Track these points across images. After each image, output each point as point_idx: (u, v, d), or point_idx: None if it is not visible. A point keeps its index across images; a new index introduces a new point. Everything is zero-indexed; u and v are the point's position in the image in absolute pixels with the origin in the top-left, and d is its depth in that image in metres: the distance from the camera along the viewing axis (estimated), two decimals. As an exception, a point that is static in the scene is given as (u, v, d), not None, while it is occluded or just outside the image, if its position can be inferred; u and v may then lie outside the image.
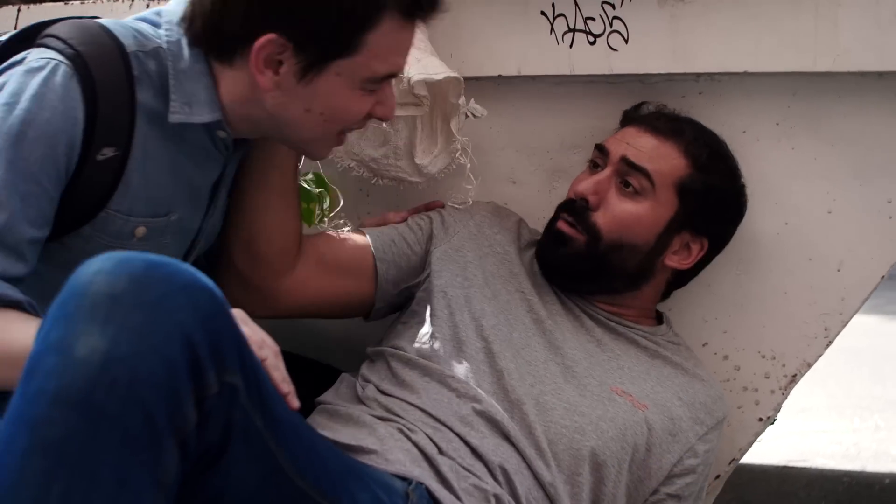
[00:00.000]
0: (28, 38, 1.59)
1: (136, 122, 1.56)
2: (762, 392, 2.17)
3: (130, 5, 2.20)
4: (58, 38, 1.54)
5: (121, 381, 1.11)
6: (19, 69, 1.50)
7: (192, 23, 1.58)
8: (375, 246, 1.97)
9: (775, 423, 2.24)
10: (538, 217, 2.11)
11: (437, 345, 1.86)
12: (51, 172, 1.48)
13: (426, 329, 1.89)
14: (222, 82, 1.60)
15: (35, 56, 1.52)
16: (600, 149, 1.98)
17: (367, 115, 1.64)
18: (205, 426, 1.19)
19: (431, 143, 2.02)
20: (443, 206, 2.09)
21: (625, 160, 1.92)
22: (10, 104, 1.46)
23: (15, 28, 2.22)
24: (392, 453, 1.67)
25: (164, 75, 1.58)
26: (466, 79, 1.95)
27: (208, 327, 1.18)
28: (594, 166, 1.98)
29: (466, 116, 1.97)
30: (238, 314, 1.34)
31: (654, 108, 2.05)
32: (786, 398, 2.18)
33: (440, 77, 1.89)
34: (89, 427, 1.11)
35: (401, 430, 1.72)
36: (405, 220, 2.03)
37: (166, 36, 1.60)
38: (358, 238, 1.98)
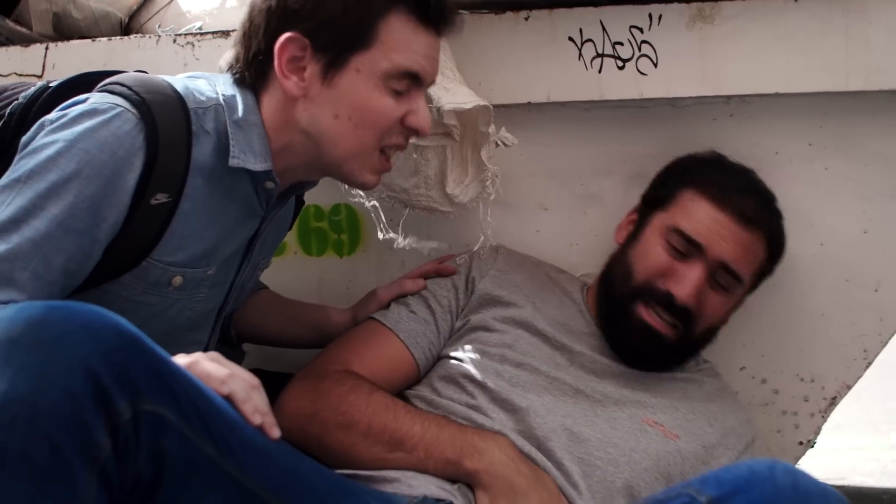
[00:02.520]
0: (79, 85, 1.61)
1: (189, 174, 1.58)
2: (801, 415, 2.15)
3: (157, 41, 2.20)
4: (122, 84, 1.56)
5: (21, 418, 1.14)
6: (80, 108, 1.51)
7: (235, 59, 1.65)
8: (410, 345, 1.93)
9: (815, 445, 2.22)
10: (571, 244, 2.11)
11: (456, 387, 1.84)
12: (100, 212, 1.49)
13: (446, 371, 1.88)
14: (264, 109, 1.64)
15: (98, 98, 1.53)
16: (689, 240, 1.88)
17: (400, 121, 1.65)
18: (124, 455, 1.21)
19: (462, 172, 2.01)
20: (452, 263, 2.07)
21: (724, 266, 1.88)
22: (69, 142, 1.47)
23: (43, 65, 2.24)
24: (415, 479, 1.67)
25: (220, 132, 1.62)
26: (496, 107, 1.94)
27: (113, 359, 1.20)
28: (679, 253, 1.90)
29: (497, 145, 1.96)
30: (210, 354, 1.41)
31: (708, 158, 2.00)
32: (825, 421, 2.16)
33: (469, 106, 1.88)
34: None
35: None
36: (422, 288, 2.00)
37: (221, 93, 1.64)
38: (393, 345, 1.93)
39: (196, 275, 1.67)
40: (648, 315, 1.89)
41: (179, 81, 1.63)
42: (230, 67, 1.66)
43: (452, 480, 1.69)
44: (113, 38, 2.28)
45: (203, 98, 1.62)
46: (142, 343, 1.25)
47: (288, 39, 1.57)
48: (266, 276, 2.07)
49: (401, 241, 2.09)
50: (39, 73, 2.26)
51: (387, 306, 2.00)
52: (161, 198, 1.55)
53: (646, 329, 1.90)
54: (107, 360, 1.19)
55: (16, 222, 1.44)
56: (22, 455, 1.14)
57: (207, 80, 1.67)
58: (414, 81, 1.64)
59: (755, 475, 1.38)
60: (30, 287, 1.44)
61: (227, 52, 1.68)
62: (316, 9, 1.56)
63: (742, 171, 1.99)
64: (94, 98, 1.53)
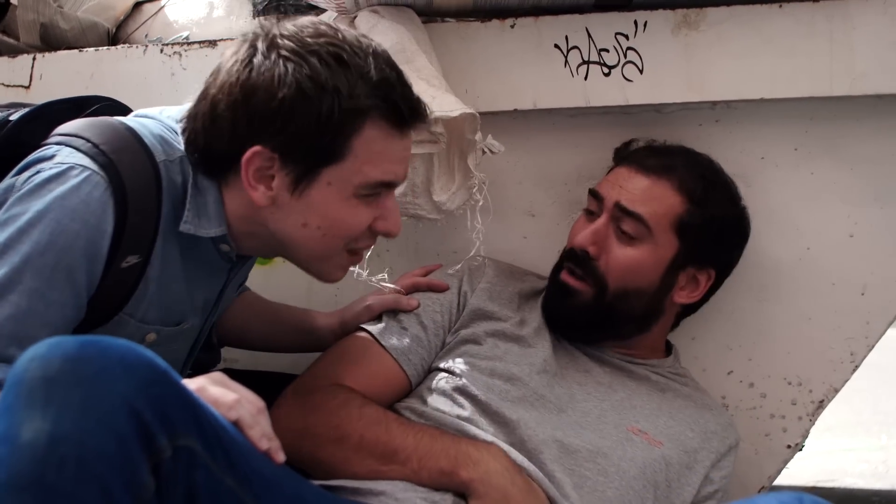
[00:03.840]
0: (39, 117, 1.58)
1: (159, 231, 1.55)
2: (789, 419, 2.16)
3: (144, 51, 2.20)
4: (88, 140, 1.51)
5: (69, 458, 1.12)
6: (47, 172, 1.46)
7: (189, 138, 1.58)
8: (402, 362, 1.91)
9: (803, 448, 2.23)
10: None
11: (446, 399, 1.84)
12: (76, 280, 1.46)
13: (437, 384, 1.87)
14: (227, 199, 1.59)
15: (65, 157, 1.48)
16: (594, 194, 1.95)
17: (368, 228, 1.62)
18: (165, 492, 1.20)
19: (449, 179, 2.01)
20: (443, 274, 2.06)
21: (619, 206, 1.90)
22: (40, 212, 1.43)
23: (30, 76, 2.24)
24: (402, 493, 1.67)
25: (184, 185, 1.57)
26: (482, 114, 1.95)
27: (151, 394, 1.18)
28: (590, 213, 1.96)
29: (483, 152, 1.96)
30: (214, 377, 1.38)
31: (643, 144, 2.03)
32: (813, 424, 2.17)
33: (456, 114, 1.89)
34: None
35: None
36: (416, 307, 1.97)
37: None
38: (384, 361, 1.92)
39: (171, 332, 1.65)
40: (565, 274, 1.94)
41: (143, 129, 1.57)
42: (187, 144, 1.58)
43: (443, 491, 1.68)
44: (100, 48, 2.29)
45: (170, 150, 1.57)
46: (172, 376, 1.23)
47: (254, 154, 1.50)
48: (254, 283, 2.07)
49: (363, 274, 2.09)
50: (27, 84, 2.26)
51: (378, 318, 1.98)
52: (132, 259, 1.52)
53: (562, 287, 1.94)
54: (146, 396, 1.17)
55: None
56: (71, 495, 1.11)
57: (171, 129, 1.61)
58: (386, 187, 1.60)
59: None
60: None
61: (182, 117, 1.59)
62: (286, 123, 1.49)
63: (668, 146, 2.03)
64: (60, 157, 1.48)
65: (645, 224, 1.88)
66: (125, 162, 1.50)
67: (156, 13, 2.40)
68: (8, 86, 2.26)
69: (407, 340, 1.94)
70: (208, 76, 1.57)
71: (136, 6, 2.47)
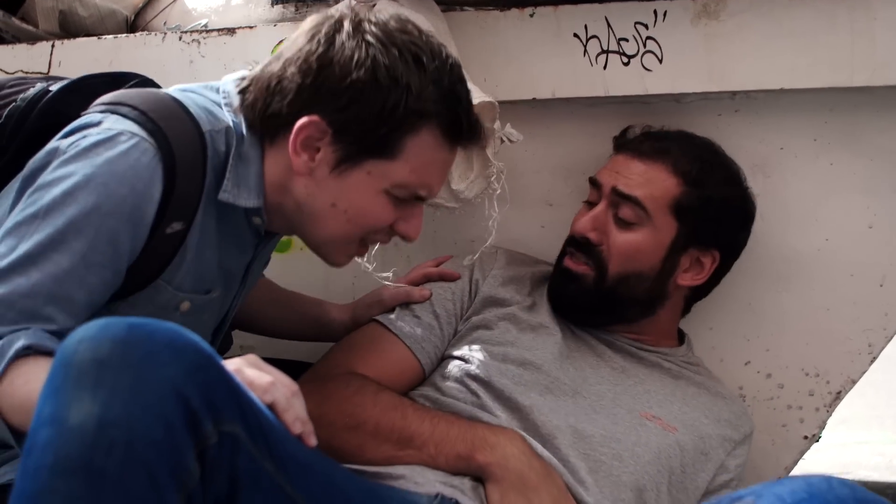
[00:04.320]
0: (77, 90, 1.59)
1: (202, 199, 1.56)
2: (806, 410, 2.15)
3: (163, 39, 2.20)
4: (136, 108, 1.52)
5: (118, 442, 1.11)
6: (95, 137, 1.47)
7: (246, 97, 1.59)
8: (416, 350, 1.93)
9: (820, 439, 2.22)
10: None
11: (460, 386, 1.85)
12: (120, 246, 1.47)
13: (450, 371, 1.88)
14: (267, 164, 1.60)
15: (113, 124, 1.49)
16: (593, 182, 1.97)
17: (390, 227, 1.63)
18: (209, 478, 1.20)
19: (467, 168, 2.01)
20: (456, 264, 2.08)
21: (616, 191, 1.91)
22: (88, 175, 1.43)
23: (49, 63, 2.24)
24: (421, 475, 1.67)
25: (227, 154, 1.58)
26: (501, 103, 1.94)
27: (198, 379, 1.18)
28: (590, 203, 1.97)
29: (502, 141, 1.96)
30: (249, 358, 1.37)
31: (640, 131, 2.03)
32: (830, 415, 2.17)
33: (475, 102, 1.87)
34: (92, 492, 1.11)
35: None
36: (429, 297, 1.98)
37: (231, 115, 1.60)
38: (398, 350, 1.93)
39: (202, 300, 1.66)
40: (568, 259, 1.95)
41: (189, 100, 1.57)
42: (243, 104, 1.60)
43: (460, 475, 1.69)
44: (119, 35, 2.28)
45: (215, 120, 1.58)
46: (216, 360, 1.23)
47: (310, 122, 1.52)
48: (272, 272, 2.07)
49: (368, 267, 2.09)
50: (45, 71, 2.26)
51: (391, 310, 1.99)
52: (176, 227, 1.53)
53: (564, 272, 1.95)
54: (193, 381, 1.17)
55: (35, 258, 1.41)
56: (118, 480, 1.11)
57: (221, 94, 1.63)
58: (417, 199, 1.62)
59: (813, 486, 1.36)
60: (60, 319, 1.42)
61: (243, 80, 1.61)
62: (350, 104, 1.51)
63: (662, 131, 2.03)
64: (108, 123, 1.49)
65: (642, 207, 1.89)
66: (173, 129, 1.51)
67: (174, 1, 2.39)
68: (27, 73, 2.26)
69: (420, 329, 1.95)
70: (286, 42, 1.59)
71: (155, -7, 2.47)
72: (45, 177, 1.45)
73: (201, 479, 1.18)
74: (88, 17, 2.39)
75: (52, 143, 1.49)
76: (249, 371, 1.34)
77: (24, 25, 2.41)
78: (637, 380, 1.92)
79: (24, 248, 1.41)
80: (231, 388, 1.24)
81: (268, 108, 1.56)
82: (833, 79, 1.96)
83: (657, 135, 2.01)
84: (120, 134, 1.47)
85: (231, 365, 1.33)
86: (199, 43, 2.18)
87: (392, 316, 1.97)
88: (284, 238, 2.12)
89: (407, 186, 1.57)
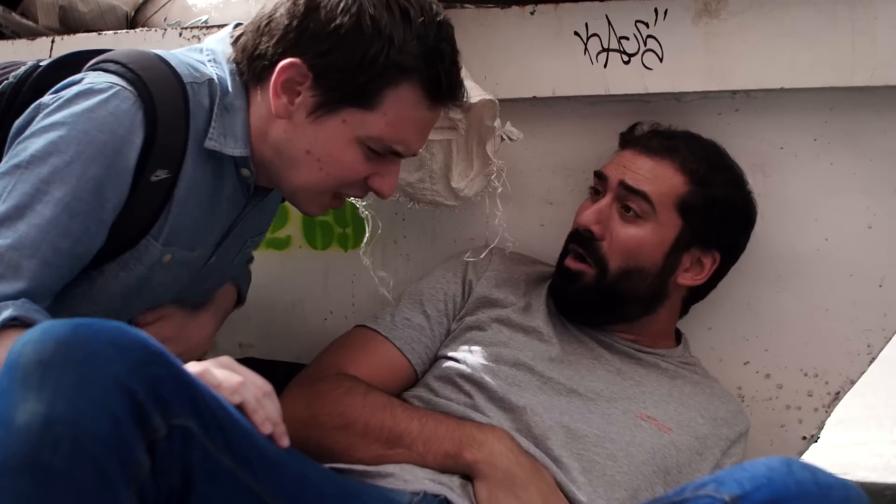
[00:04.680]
0: (70, 64, 1.60)
1: (188, 149, 1.57)
2: (805, 410, 2.15)
3: (163, 35, 2.20)
4: (117, 62, 1.54)
5: (64, 438, 1.13)
6: (76, 88, 1.49)
7: (239, 40, 1.62)
8: (406, 351, 1.95)
9: (818, 440, 2.22)
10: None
11: (453, 387, 1.85)
12: (103, 193, 1.48)
13: (443, 372, 1.89)
14: (252, 109, 1.61)
15: (94, 78, 1.51)
16: (599, 175, 1.97)
17: (363, 181, 1.63)
18: (161, 471, 1.21)
19: (467, 166, 2.01)
20: (458, 260, 2.09)
21: (623, 185, 1.91)
22: (68, 124, 1.46)
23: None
24: (410, 473, 1.68)
25: (211, 106, 1.59)
26: (501, 101, 1.94)
27: (144, 373, 1.19)
28: (595, 193, 1.98)
29: (502, 139, 1.96)
30: (222, 360, 1.40)
31: (648, 128, 2.04)
32: (829, 416, 2.16)
33: (475, 100, 1.88)
34: (40, 488, 1.12)
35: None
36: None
37: (215, 69, 1.62)
38: (389, 351, 1.95)
39: (183, 255, 1.66)
40: (569, 259, 1.95)
41: (173, 56, 1.60)
42: (233, 50, 1.63)
43: (449, 473, 1.70)
44: (119, 31, 2.28)
45: (198, 73, 1.59)
46: (166, 356, 1.24)
47: (291, 64, 1.53)
48: (271, 271, 2.07)
49: (367, 261, 2.10)
50: (45, 67, 2.26)
51: (380, 312, 2.00)
52: (161, 174, 1.54)
53: (565, 272, 1.95)
54: (139, 376, 1.18)
55: (20, 209, 1.43)
56: (66, 475, 1.12)
57: (203, 52, 1.65)
58: (393, 154, 1.62)
59: (773, 471, 1.38)
60: (39, 275, 1.44)
61: (241, 32, 1.64)
62: (332, 49, 1.52)
63: (669, 129, 2.03)
64: (90, 77, 1.52)
65: (649, 202, 1.89)
66: (153, 78, 1.53)
67: (174, -3, 2.39)
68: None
69: (409, 330, 1.96)
70: None
71: (155, -11, 2.47)
72: (29, 129, 1.48)
73: (152, 471, 1.20)
74: (88, 13, 2.38)
75: (38, 102, 1.51)
76: (218, 372, 1.37)
77: (24, 21, 2.40)
78: (633, 381, 1.92)
79: (9, 200, 1.44)
80: (182, 383, 1.25)
81: (256, 48, 1.58)
82: (833, 78, 1.95)
83: (665, 133, 2.01)
84: (100, 85, 1.49)
85: (198, 366, 1.36)
86: (199, 39, 2.17)
87: (383, 316, 1.99)
88: (284, 235, 2.12)
89: (381, 140, 1.57)
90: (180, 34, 2.19)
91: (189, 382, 1.27)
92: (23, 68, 1.64)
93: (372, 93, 1.54)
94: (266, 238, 2.05)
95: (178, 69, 1.57)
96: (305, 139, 1.58)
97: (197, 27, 2.20)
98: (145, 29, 2.29)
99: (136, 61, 1.55)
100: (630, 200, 1.90)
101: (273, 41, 1.56)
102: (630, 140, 2.02)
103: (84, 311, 1.61)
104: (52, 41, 2.27)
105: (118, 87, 1.50)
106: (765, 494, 1.36)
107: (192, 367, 1.34)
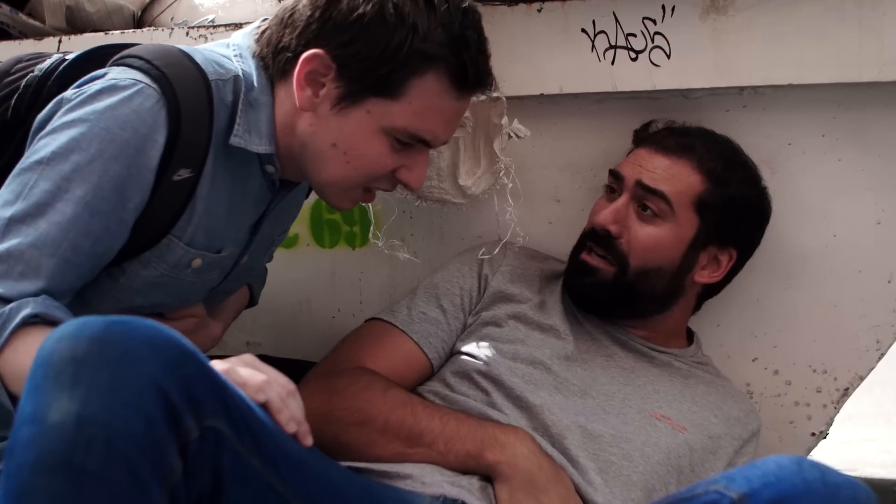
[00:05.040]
0: (96, 58, 1.59)
1: (210, 147, 1.56)
2: (814, 406, 2.15)
3: (170, 34, 2.20)
4: (141, 58, 1.52)
5: (98, 438, 1.12)
6: (99, 84, 1.48)
7: (263, 34, 1.60)
8: (423, 345, 1.94)
9: (827, 436, 2.22)
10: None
11: (469, 383, 1.85)
12: (125, 192, 1.47)
13: (459, 367, 1.89)
14: (277, 104, 1.60)
15: (118, 73, 1.50)
16: (615, 174, 1.96)
17: (391, 174, 1.61)
18: (192, 473, 1.20)
19: (475, 164, 2.01)
20: (472, 255, 2.08)
21: (640, 184, 1.91)
22: (90, 121, 1.45)
23: (57, 58, 2.24)
24: (429, 476, 1.67)
25: (235, 103, 1.58)
26: (508, 98, 1.94)
27: (178, 374, 1.18)
28: (611, 192, 1.97)
29: (510, 137, 1.96)
30: (245, 358, 1.38)
31: (663, 125, 2.03)
32: (838, 412, 2.16)
33: (482, 98, 1.88)
34: (73, 488, 1.11)
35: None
36: None
37: (241, 65, 1.60)
38: (406, 345, 1.94)
39: (213, 259, 1.65)
40: (585, 254, 1.94)
41: (198, 52, 1.58)
42: (258, 45, 1.61)
43: (469, 474, 1.68)
44: (126, 31, 2.29)
45: (222, 70, 1.57)
46: (199, 357, 1.23)
47: (315, 55, 1.52)
48: (278, 269, 2.07)
49: (381, 244, 2.10)
50: (52, 67, 2.26)
51: (395, 306, 2.00)
52: (184, 173, 1.53)
53: (582, 265, 1.94)
54: (173, 376, 1.17)
55: (41, 207, 1.42)
56: (99, 476, 1.11)
57: (230, 48, 1.63)
58: (422, 143, 1.60)
59: (783, 469, 1.37)
60: (59, 273, 1.43)
61: (265, 25, 1.63)
62: (355, 39, 1.50)
63: (684, 127, 2.02)
64: (113, 73, 1.50)
65: (667, 201, 1.89)
66: (177, 75, 1.51)
67: (181, -4, 2.39)
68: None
69: (426, 324, 1.95)
70: None
71: (162, -11, 2.47)
72: (51, 125, 1.47)
73: (184, 473, 1.19)
74: (95, 13, 2.39)
75: (60, 96, 1.50)
76: (243, 370, 1.35)
77: (31, 21, 2.40)
78: (647, 380, 1.92)
79: (31, 197, 1.43)
80: (214, 384, 1.24)
81: (280, 41, 1.56)
82: (841, 74, 1.94)
83: (681, 130, 2.01)
84: (124, 81, 1.48)
85: (223, 364, 1.34)
86: (206, 38, 2.17)
87: (400, 310, 1.98)
88: (291, 233, 2.12)
89: (407, 130, 1.56)
90: (187, 33, 2.19)
91: (220, 383, 1.26)
92: (48, 61, 1.63)
93: (396, 82, 1.52)
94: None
95: (204, 66, 1.55)
96: (331, 132, 1.56)
97: (203, 26, 2.20)
98: (152, 28, 2.29)
99: (161, 57, 1.52)
100: (648, 200, 1.90)
101: (296, 33, 1.54)
102: (645, 138, 2.02)
103: (107, 309, 1.60)
104: (59, 41, 2.27)
105: (142, 85, 1.48)
106: (772, 493, 1.36)
107: (218, 366, 1.32)
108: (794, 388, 2.15)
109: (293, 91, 1.56)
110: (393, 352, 1.93)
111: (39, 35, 2.33)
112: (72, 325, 1.18)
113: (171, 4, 2.39)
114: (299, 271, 2.27)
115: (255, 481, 1.29)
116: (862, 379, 2.13)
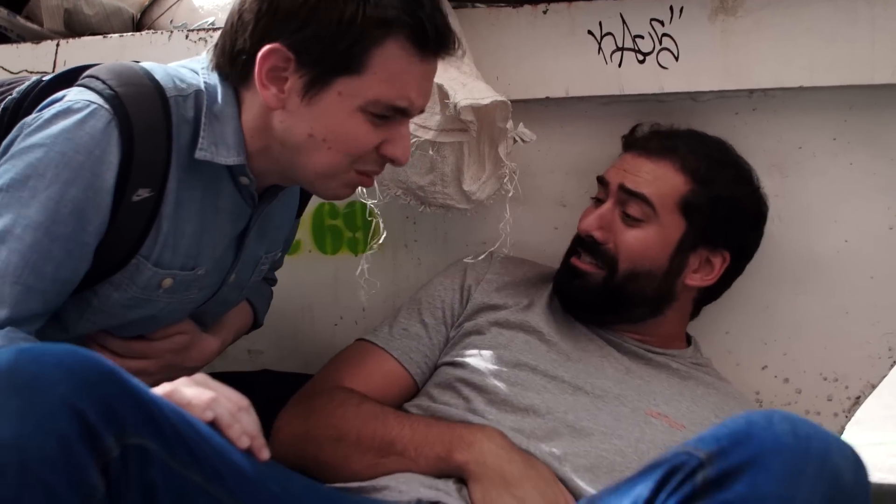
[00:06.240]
0: (69, 79, 1.58)
1: (171, 165, 1.54)
2: (825, 415, 2.12)
3: (169, 37, 2.17)
4: (97, 78, 1.53)
5: (10, 464, 1.11)
6: (56, 108, 1.49)
7: (220, 51, 1.58)
8: (404, 361, 1.93)
9: (838, 445, 2.19)
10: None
11: (452, 392, 1.84)
12: (83, 216, 1.47)
13: (442, 379, 1.88)
14: (244, 111, 1.58)
15: (73, 97, 1.50)
16: (601, 181, 1.96)
17: (375, 151, 1.58)
18: (117, 492, 1.18)
19: (479, 168, 1.98)
20: (460, 264, 2.08)
21: (623, 188, 1.90)
22: (46, 146, 1.45)
23: (54, 62, 2.22)
24: (405, 484, 1.66)
25: (197, 118, 1.56)
26: (513, 101, 1.91)
27: (95, 394, 1.17)
28: (598, 200, 1.97)
29: (515, 141, 1.93)
30: (196, 378, 1.38)
31: (648, 129, 2.01)
32: (849, 420, 2.13)
33: (487, 101, 1.85)
34: None
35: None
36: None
37: (204, 79, 1.58)
38: (387, 363, 1.94)
39: (186, 277, 1.64)
40: (575, 258, 1.94)
41: (161, 69, 1.57)
42: (214, 57, 1.59)
43: (444, 477, 1.68)
44: (125, 34, 2.26)
45: (184, 85, 1.56)
46: (120, 375, 1.21)
47: (271, 50, 1.49)
48: (280, 275, 2.05)
49: (364, 266, 2.09)
50: (51, 70, 2.24)
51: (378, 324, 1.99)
52: (143, 193, 1.52)
53: (571, 269, 1.94)
54: (89, 396, 1.16)
55: (2, 235, 1.43)
56: (15, 501, 1.10)
57: (199, 62, 1.62)
58: (399, 113, 1.57)
59: (753, 426, 1.33)
60: (23, 300, 1.44)
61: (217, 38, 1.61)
62: (307, 22, 1.47)
63: (671, 129, 2.00)
64: (70, 95, 1.50)
65: (649, 204, 1.88)
66: (131, 94, 1.50)
67: (180, -2, 2.37)
68: (31, 72, 2.23)
69: (407, 340, 1.96)
70: None
71: (161, -9, 2.45)
72: (11, 151, 1.48)
73: (108, 492, 1.17)
74: (94, 16, 2.37)
75: (22, 120, 1.51)
76: (188, 390, 1.35)
77: (29, 24, 2.38)
78: (643, 380, 1.90)
79: None
80: (137, 402, 1.22)
81: (234, 45, 1.54)
82: (853, 76, 1.92)
83: (665, 133, 1.99)
84: (76, 104, 1.48)
85: (167, 386, 1.34)
86: (205, 41, 2.15)
87: (380, 330, 1.99)
88: (350, 238, 2.09)
89: (381, 101, 1.52)
90: (186, 36, 2.16)
91: (146, 401, 1.24)
92: (26, 83, 1.63)
93: (358, 56, 1.49)
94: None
95: (164, 83, 1.54)
96: (305, 123, 1.53)
97: (203, 29, 2.18)
98: (151, 31, 2.27)
99: (117, 77, 1.52)
100: (630, 204, 1.89)
101: (248, 33, 1.51)
102: (631, 142, 2.01)
103: (83, 331, 1.63)
104: (57, 45, 2.25)
105: (94, 106, 1.48)
106: (742, 451, 1.30)
107: (160, 389, 1.33)
108: (805, 397, 2.12)
109: (258, 94, 1.53)
110: (373, 370, 1.93)
111: (37, 38, 2.31)
112: None
113: (171, 7, 2.37)
114: (301, 278, 2.25)
115: (196, 497, 1.28)
116: (874, 387, 2.11)
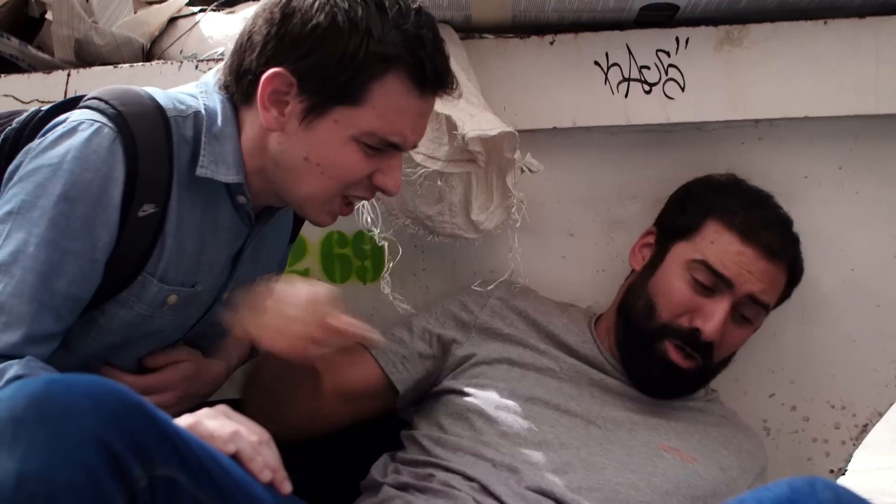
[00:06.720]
0: (68, 108, 1.60)
1: (173, 182, 1.58)
2: (832, 443, 2.13)
3: (179, 67, 2.18)
4: (99, 99, 1.56)
5: (38, 495, 1.11)
6: (60, 129, 1.52)
7: (228, 69, 1.62)
8: (379, 358, 1.95)
9: (846, 473, 2.19)
10: (597, 269, 2.09)
11: (464, 423, 1.83)
12: (93, 232, 1.50)
13: (453, 409, 1.87)
14: (243, 130, 1.62)
15: (77, 116, 1.53)
16: (717, 274, 1.85)
17: (368, 180, 1.61)
18: None
19: (487, 198, 1.98)
20: (468, 293, 2.07)
21: (752, 297, 1.86)
22: (54, 165, 1.48)
23: (65, 92, 2.23)
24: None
25: (197, 137, 1.60)
26: (521, 131, 1.92)
27: (122, 425, 1.17)
28: (704, 288, 1.86)
29: (522, 171, 1.94)
30: (219, 408, 1.41)
31: (751, 201, 1.93)
32: (857, 448, 2.13)
33: (495, 132, 1.86)
34: None
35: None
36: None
37: (204, 101, 1.62)
38: (363, 359, 1.96)
39: (188, 294, 1.66)
40: (674, 353, 1.87)
41: (160, 92, 1.61)
42: (221, 76, 1.64)
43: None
44: (135, 64, 2.27)
45: (183, 107, 1.60)
46: (145, 407, 1.22)
47: (275, 74, 1.53)
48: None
49: (386, 289, 2.07)
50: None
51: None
52: (148, 209, 1.55)
53: (669, 366, 1.88)
54: (116, 428, 1.16)
55: (15, 254, 1.46)
56: None
57: (197, 86, 1.66)
58: (392, 147, 1.60)
59: (796, 492, 1.34)
60: (38, 318, 1.46)
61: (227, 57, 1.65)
62: (312, 51, 1.52)
63: (763, 198, 1.96)
64: (74, 116, 1.54)
65: (767, 311, 1.91)
66: (133, 113, 1.54)
67: (190, 29, 2.38)
68: (43, 101, 2.24)
69: (390, 342, 1.98)
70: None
71: (171, 21, 2.46)
72: (19, 174, 1.51)
73: None
74: (104, 46, 2.37)
75: (27, 146, 1.54)
76: (210, 423, 1.37)
77: (40, 54, 2.39)
78: (654, 414, 1.90)
79: (5, 247, 1.47)
80: (164, 434, 1.23)
81: (241, 65, 1.59)
82: (858, 106, 1.93)
83: (781, 221, 1.94)
84: (81, 123, 1.52)
85: (190, 418, 1.36)
86: (215, 72, 2.16)
87: None
88: (301, 268, 2.10)
89: (375, 133, 1.56)
90: (196, 66, 2.17)
91: (172, 433, 1.25)
92: (26, 114, 1.65)
93: (358, 88, 1.53)
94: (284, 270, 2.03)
95: (164, 104, 1.58)
96: (301, 147, 1.57)
97: (213, 59, 2.19)
98: (161, 61, 2.28)
99: (119, 97, 1.56)
100: (750, 309, 1.88)
101: (255, 54, 1.56)
102: (754, 236, 1.87)
103: (89, 351, 1.64)
104: (68, 74, 2.26)
105: (98, 124, 1.51)
106: None
107: (183, 420, 1.34)
108: (812, 425, 2.13)
109: (259, 114, 1.57)
110: (348, 362, 1.94)
111: (48, 68, 2.32)
112: (11, 386, 1.19)
113: (181, 37, 2.38)
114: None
115: None
116: (881, 415, 2.11)
